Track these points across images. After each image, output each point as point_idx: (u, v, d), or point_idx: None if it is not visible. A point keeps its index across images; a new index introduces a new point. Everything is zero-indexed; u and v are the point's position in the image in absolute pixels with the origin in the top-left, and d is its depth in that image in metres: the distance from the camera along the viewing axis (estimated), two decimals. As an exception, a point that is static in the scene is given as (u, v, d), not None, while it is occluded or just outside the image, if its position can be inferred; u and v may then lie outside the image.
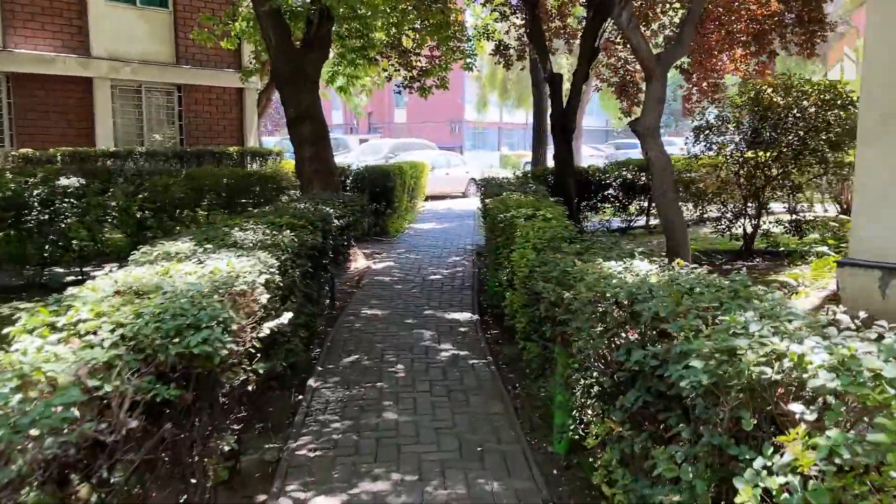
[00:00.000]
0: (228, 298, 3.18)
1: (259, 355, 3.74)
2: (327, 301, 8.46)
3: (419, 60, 15.83)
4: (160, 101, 17.89)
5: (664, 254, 9.94)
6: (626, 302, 2.98)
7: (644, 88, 16.14)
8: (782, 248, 10.40)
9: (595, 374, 3.48)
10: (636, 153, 49.61)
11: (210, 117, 18.50)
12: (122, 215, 9.46)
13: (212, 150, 17.37)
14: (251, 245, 4.60)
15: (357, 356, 6.63)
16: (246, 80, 15.23)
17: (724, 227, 11.26)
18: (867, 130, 6.04)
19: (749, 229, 10.82)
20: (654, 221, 15.49)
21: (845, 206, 14.14)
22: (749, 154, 10.42)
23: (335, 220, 7.15)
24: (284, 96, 10.62)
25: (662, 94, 7.08)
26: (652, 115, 6.99)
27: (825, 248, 9.24)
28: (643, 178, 14.66)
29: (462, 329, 7.56)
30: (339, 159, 27.87)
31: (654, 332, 2.86)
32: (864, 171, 6.04)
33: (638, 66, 15.29)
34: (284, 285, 4.60)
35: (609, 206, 14.60)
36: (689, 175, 11.68)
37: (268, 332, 3.60)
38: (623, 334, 3.06)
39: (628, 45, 14.99)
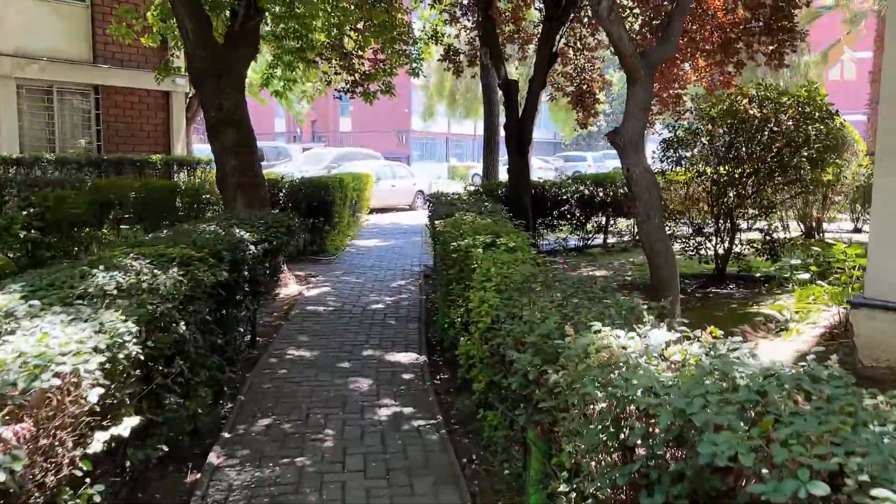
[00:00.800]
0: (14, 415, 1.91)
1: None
2: (248, 338, 7.16)
3: (362, 63, 14.63)
4: (75, 104, 16.19)
5: (643, 284, 8.97)
6: (668, 425, 1.82)
7: (602, 99, 15.35)
8: (758, 274, 9.53)
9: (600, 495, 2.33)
10: (584, 166, 49.27)
11: (132, 122, 16.87)
12: (3, 235, 7.95)
13: (132, 159, 15.79)
14: (112, 294, 3.31)
15: (275, 416, 5.35)
16: (161, 80, 13.74)
17: (692, 248, 10.34)
18: (888, 152, 5.13)
19: (721, 252, 9.93)
20: (611, 240, 14.62)
21: (811, 227, 13.50)
22: (722, 170, 9.53)
23: (252, 247, 5.87)
24: (204, 97, 9.27)
25: (648, 98, 6.05)
26: (635, 124, 5.94)
27: (807, 276, 8.39)
28: (600, 194, 13.77)
29: (406, 375, 6.34)
30: (279, 169, 26.38)
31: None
32: (884, 197, 5.12)
33: (595, 76, 14.43)
34: (158, 351, 3.33)
35: (565, 223, 13.62)
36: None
37: (102, 445, 2.34)
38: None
39: (585, 53, 14.16)
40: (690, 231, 10.39)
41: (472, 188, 12.83)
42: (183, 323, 3.80)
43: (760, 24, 11.59)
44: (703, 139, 9.47)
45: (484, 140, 17.33)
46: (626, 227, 14.82)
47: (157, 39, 13.78)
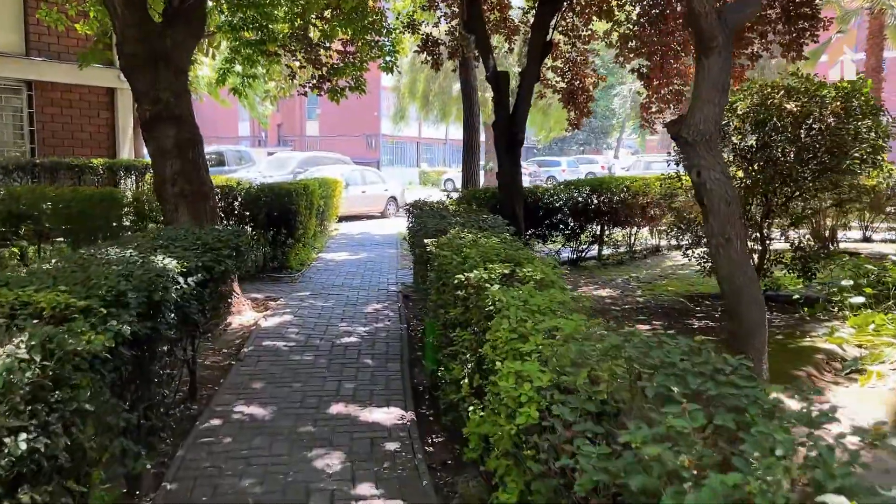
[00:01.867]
0: None
1: None
2: (186, 388, 5.61)
3: (330, 56, 13.09)
4: (4, 102, 14.36)
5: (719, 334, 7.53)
6: None
7: (596, 96, 14.01)
8: (796, 296, 8.19)
9: None
10: (558, 171, 48.37)
11: (71, 122, 15.07)
12: None
13: (70, 163, 14.01)
14: None
15: (210, 522, 3.81)
16: (84, 67, 12.12)
17: (707, 262, 8.98)
18: None
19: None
20: (606, 251, 13.27)
21: (825, 237, 12.29)
22: (744, 172, 8.21)
23: (181, 279, 4.32)
24: (136, 88, 7.66)
25: (725, 76, 4.56)
26: (710, 112, 4.44)
27: (861, 299, 7.07)
28: (595, 202, 12.41)
29: (390, 445, 4.83)
30: (242, 174, 24.60)
31: None
32: None
33: (589, 71, 13.08)
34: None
35: (558, 234, 12.23)
36: (674, 199, 9.38)
37: None
38: None
39: (578, 46, 12.78)
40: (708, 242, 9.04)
41: (458, 196, 11.38)
42: (37, 426, 2.26)
43: (777, 10, 10.33)
44: (732, 138, 8.12)
45: (464, 143, 15.89)
46: (623, 238, 13.49)
47: (95, 26, 12.10)
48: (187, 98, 7.91)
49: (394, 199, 23.69)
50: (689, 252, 9.14)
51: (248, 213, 10.80)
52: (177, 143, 7.66)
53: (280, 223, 11.07)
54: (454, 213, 7.29)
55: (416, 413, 5.42)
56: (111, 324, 3.08)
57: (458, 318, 4.00)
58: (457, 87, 28.51)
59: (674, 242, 14.43)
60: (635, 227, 13.53)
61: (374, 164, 42.98)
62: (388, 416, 5.34)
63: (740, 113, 8.03)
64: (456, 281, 3.86)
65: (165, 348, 4.36)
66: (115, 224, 9.43)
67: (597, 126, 56.59)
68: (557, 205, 11.92)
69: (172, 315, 4.23)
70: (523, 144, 10.21)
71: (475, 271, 3.86)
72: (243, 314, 8.31)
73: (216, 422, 5.19)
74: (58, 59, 14.66)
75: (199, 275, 4.67)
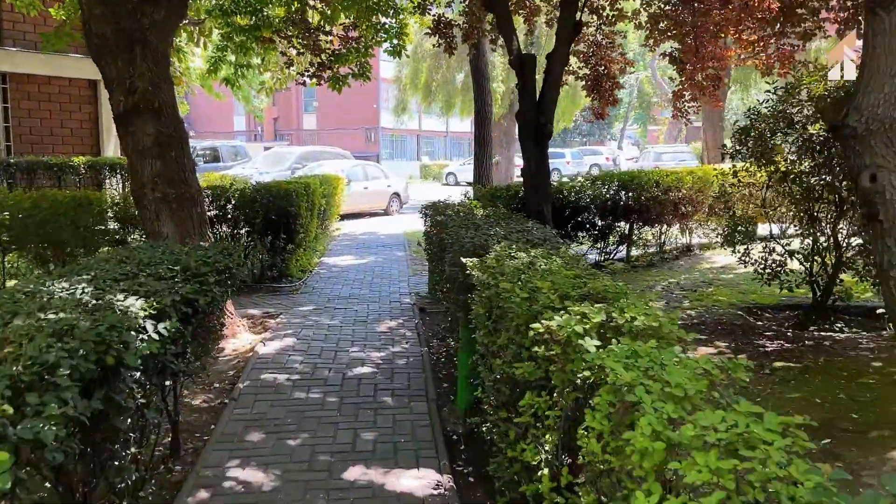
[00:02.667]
0: None
1: None
2: (167, 439, 4.53)
3: (330, 42, 11.94)
4: (-24, 96, 13.20)
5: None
6: None
7: (619, 82, 12.86)
8: (881, 310, 7.07)
9: None
10: (562, 163, 47.18)
11: (50, 117, 13.90)
12: None
13: (49, 162, 12.88)
14: None
15: None
16: (48, 51, 11.03)
17: (766, 267, 7.84)
18: None
19: (817, 274, 7.47)
20: (635, 252, 12.16)
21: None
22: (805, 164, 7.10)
23: (149, 327, 3.19)
24: (107, 75, 6.51)
25: None
26: (892, 91, 3.33)
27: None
28: (624, 198, 11.30)
29: (427, 529, 3.74)
30: (236, 171, 23.45)
31: None
32: None
33: (616, 55, 11.93)
34: None
35: (585, 234, 11.11)
36: (729, 200, 8.24)
37: None
38: None
39: (604, 28, 11.64)
40: (767, 246, 7.93)
41: (471, 192, 10.26)
42: None
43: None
44: (805, 126, 6.99)
45: (475, 135, 14.75)
46: (653, 238, 12.38)
47: (70, 12, 10.95)
48: (169, 87, 6.76)
49: (397, 195, 22.58)
50: (746, 258, 7.99)
51: (242, 218, 9.67)
52: (157, 139, 6.52)
53: (279, 227, 9.94)
54: (486, 219, 6.17)
55: (452, 476, 4.31)
56: (20, 428, 1.97)
57: (531, 378, 2.89)
58: (460, 77, 27.34)
59: (703, 241, 13.40)
60: (665, 226, 12.43)
61: (373, 158, 41.83)
62: (419, 481, 4.23)
63: (816, 96, 6.89)
64: (533, 333, 2.74)
65: (135, 405, 3.25)
66: (90, 234, 8.29)
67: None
68: (584, 203, 10.81)
69: (138, 374, 3.12)
70: (552, 136, 9.08)
71: (556, 317, 2.74)
72: (238, 336, 7.20)
73: (203, 495, 4.08)
74: (34, 48, 13.48)
75: (176, 316, 3.55)
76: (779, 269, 7.74)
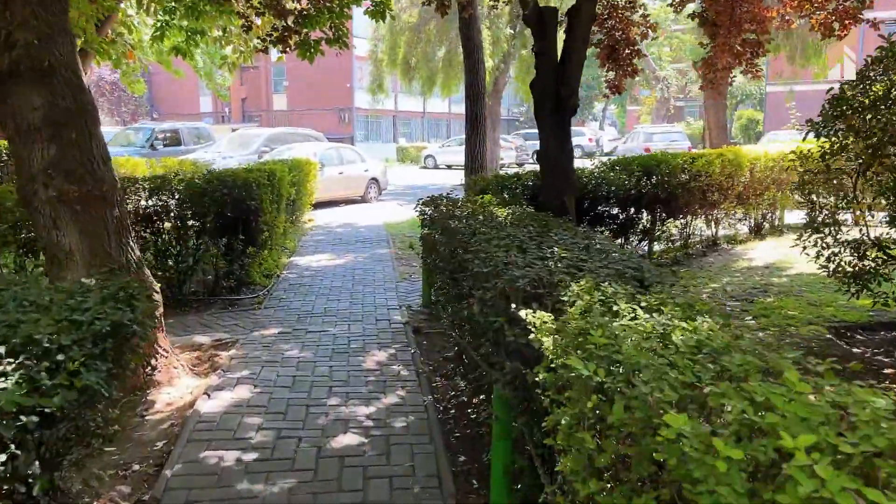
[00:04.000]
0: None
1: None
2: None
3: (297, 1, 10.01)
4: None
5: None
6: None
7: (639, 49, 11.05)
8: None
9: None
10: (582, 141, 45.09)
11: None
12: None
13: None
14: None
15: None
16: None
17: (855, 276, 6.13)
18: None
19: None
20: (658, 247, 10.46)
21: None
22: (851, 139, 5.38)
23: None
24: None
25: None
26: None
27: None
28: (648, 186, 9.57)
29: None
30: (198, 155, 21.34)
31: None
32: None
33: (638, 17, 10.13)
34: None
35: (605, 229, 9.38)
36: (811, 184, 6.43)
37: None
38: None
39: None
40: (858, 247, 6.22)
41: (480, 183, 8.45)
42: None
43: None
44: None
45: (467, 113, 12.89)
46: (678, 230, 10.67)
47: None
48: (68, 43, 4.82)
49: (375, 180, 20.67)
50: (830, 261, 6.25)
51: (190, 217, 7.76)
52: (48, 116, 4.60)
53: (236, 227, 8.06)
54: (518, 224, 4.36)
55: None
56: None
57: None
58: (441, 53, 25.36)
59: (727, 232, 11.76)
60: (691, 217, 10.74)
61: (347, 140, 39.75)
62: None
63: None
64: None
65: None
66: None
67: (582, 96, 53.58)
68: (604, 192, 9.06)
69: None
70: (576, 112, 7.28)
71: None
72: (176, 383, 5.34)
73: None
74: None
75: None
76: (868, 276, 6.05)
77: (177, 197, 7.65)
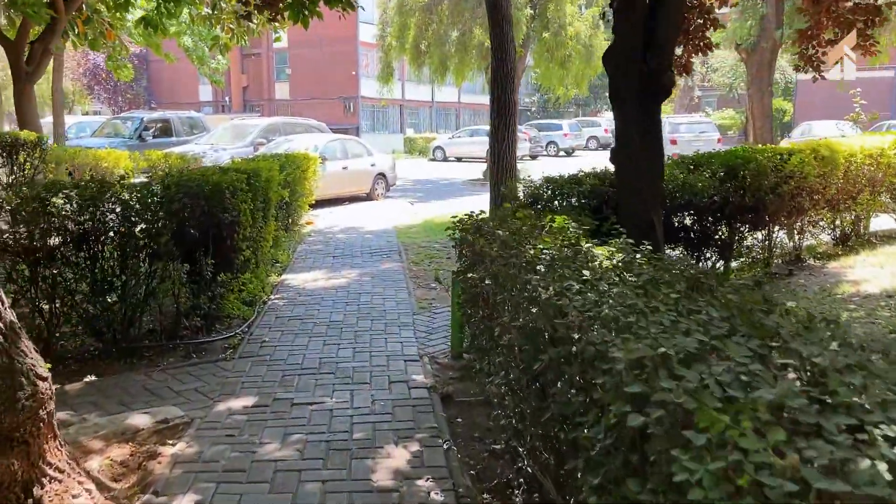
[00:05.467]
0: None
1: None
2: None
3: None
4: None
5: None
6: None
7: (716, 18, 8.96)
8: None
9: None
10: (559, 136, 43.16)
11: None
12: None
13: None
14: None
15: None
16: None
17: None
18: None
19: None
20: (734, 264, 8.42)
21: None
22: None
23: None
24: None
25: None
26: None
27: None
28: (731, 190, 7.52)
29: None
30: (187, 148, 19.32)
31: None
32: None
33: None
34: None
35: (680, 245, 7.37)
36: None
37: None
38: None
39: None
40: None
41: (527, 189, 6.41)
42: None
43: None
44: None
45: (493, 98, 10.78)
46: (758, 245, 8.64)
47: None
48: None
49: (382, 175, 18.67)
50: None
51: (143, 234, 5.76)
52: None
53: (206, 246, 6.06)
54: (651, 288, 2.38)
55: None
56: None
57: None
58: (455, 34, 23.23)
59: (808, 243, 9.76)
60: (776, 227, 8.71)
61: (352, 131, 37.78)
62: None
63: None
64: None
65: None
66: None
67: (597, 84, 51.13)
68: (682, 200, 7.03)
69: None
70: (670, 94, 5.25)
71: None
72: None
73: None
74: None
75: None
76: None
77: (117, 212, 5.64)
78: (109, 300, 5.70)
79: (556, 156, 38.26)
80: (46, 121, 21.14)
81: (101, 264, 5.66)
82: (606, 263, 2.93)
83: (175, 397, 4.94)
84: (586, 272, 2.65)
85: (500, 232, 3.66)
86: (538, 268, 2.83)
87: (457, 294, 5.25)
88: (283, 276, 8.85)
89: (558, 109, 53.88)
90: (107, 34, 16.53)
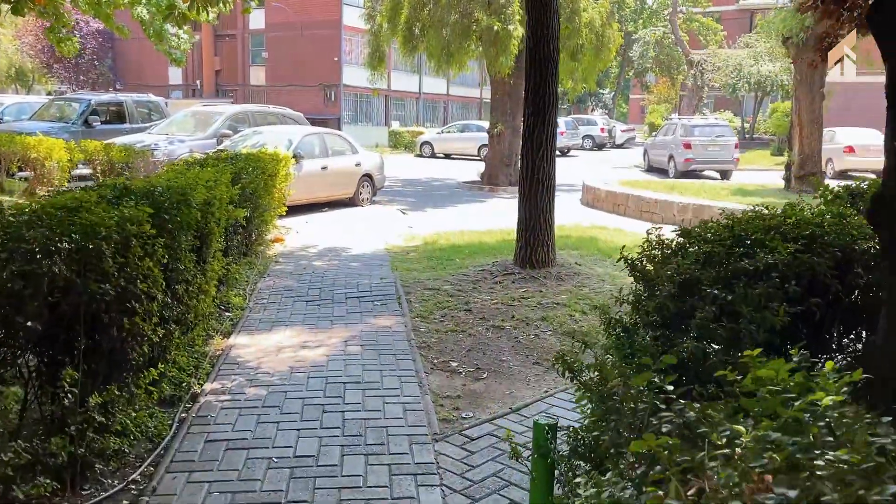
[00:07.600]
0: None
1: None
2: None
3: None
4: None
5: None
6: None
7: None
8: None
9: None
10: (594, 131, 40.27)
11: None
12: None
13: None
14: None
15: None
16: None
17: None
18: None
19: None
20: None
21: None
22: None
23: None
24: None
25: None
26: None
27: None
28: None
29: None
30: (137, 139, 16.17)
31: None
32: None
33: None
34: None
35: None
36: None
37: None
38: None
39: None
40: None
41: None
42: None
43: None
44: None
45: (527, 89, 7.95)
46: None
47: None
48: None
49: (369, 177, 15.84)
50: None
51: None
52: None
53: (68, 343, 3.24)
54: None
55: None
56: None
57: None
58: (454, 17, 20.31)
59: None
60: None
61: (333, 122, 34.79)
62: None
63: None
64: None
65: None
66: None
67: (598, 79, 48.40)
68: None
69: None
70: None
71: None
72: None
73: None
74: None
75: None
76: None
77: None
78: None
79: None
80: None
81: None
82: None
83: None
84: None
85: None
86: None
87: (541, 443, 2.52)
88: (232, 340, 6.03)
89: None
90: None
